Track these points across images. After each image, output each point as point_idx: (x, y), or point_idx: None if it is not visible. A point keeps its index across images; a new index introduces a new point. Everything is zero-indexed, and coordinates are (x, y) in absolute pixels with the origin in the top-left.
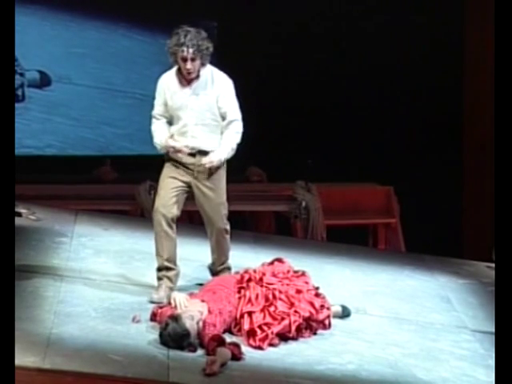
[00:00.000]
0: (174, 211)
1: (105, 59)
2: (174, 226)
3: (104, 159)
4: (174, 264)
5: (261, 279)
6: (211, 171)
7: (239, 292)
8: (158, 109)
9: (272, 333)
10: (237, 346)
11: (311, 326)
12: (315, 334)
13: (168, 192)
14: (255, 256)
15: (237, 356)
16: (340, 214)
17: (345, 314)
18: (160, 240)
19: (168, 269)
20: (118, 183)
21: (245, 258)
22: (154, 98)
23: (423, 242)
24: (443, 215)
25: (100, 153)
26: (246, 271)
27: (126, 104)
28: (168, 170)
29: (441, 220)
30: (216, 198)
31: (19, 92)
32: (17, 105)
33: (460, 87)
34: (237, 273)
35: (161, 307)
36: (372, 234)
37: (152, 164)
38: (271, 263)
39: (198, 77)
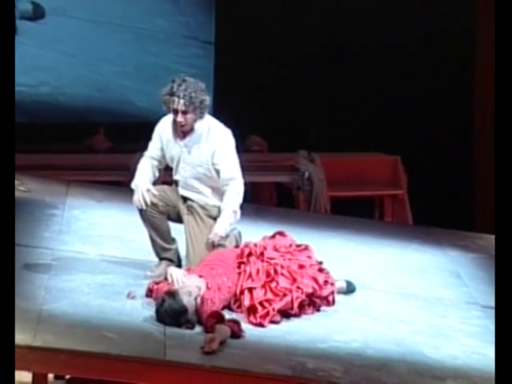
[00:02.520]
0: (162, 204)
1: None
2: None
3: (97, 127)
4: (170, 242)
5: (262, 253)
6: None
7: (239, 267)
8: (152, 152)
9: (273, 309)
10: (236, 323)
11: (314, 302)
12: (318, 310)
13: (158, 188)
14: (256, 229)
15: (236, 333)
16: (344, 185)
17: (349, 289)
18: (152, 226)
19: (165, 249)
20: (111, 153)
21: (245, 231)
22: (152, 32)
23: (432, 214)
24: (453, 186)
25: (99, 92)
26: (247, 245)
27: (124, 39)
28: (166, 186)
29: (450, 191)
30: (204, 238)
31: None
32: None
33: (472, 54)
34: (237, 247)
35: (157, 283)
36: (378, 206)
37: (148, 132)
38: (272, 237)
39: (192, 130)
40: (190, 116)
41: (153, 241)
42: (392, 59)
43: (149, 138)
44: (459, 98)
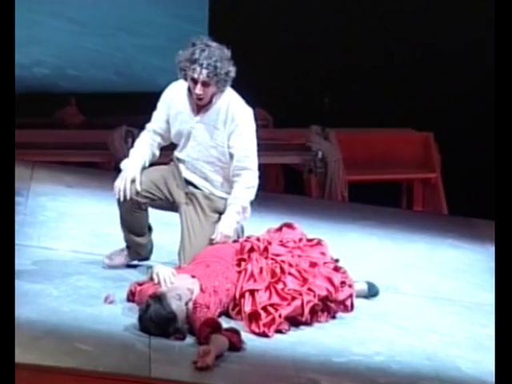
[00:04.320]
0: (145, 201)
1: None
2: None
3: (68, 97)
4: (144, 235)
5: (266, 249)
6: (209, 204)
7: (239, 265)
8: (155, 124)
9: (280, 316)
10: (236, 332)
11: (329, 307)
12: (334, 317)
13: (146, 178)
14: (259, 220)
15: (236, 345)
16: (365, 168)
17: (371, 292)
18: (126, 221)
19: (136, 244)
20: (85, 128)
21: (247, 223)
22: None
23: (470, 202)
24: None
25: (116, 75)
26: (248, 239)
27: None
28: (162, 168)
29: (492, 174)
30: (204, 234)
31: None
32: None
33: None
34: (236, 241)
35: (140, 284)
36: (406, 192)
37: (129, 104)
38: (279, 229)
39: (209, 103)
40: (210, 89)
41: (123, 230)
42: (423, 22)
43: (129, 111)
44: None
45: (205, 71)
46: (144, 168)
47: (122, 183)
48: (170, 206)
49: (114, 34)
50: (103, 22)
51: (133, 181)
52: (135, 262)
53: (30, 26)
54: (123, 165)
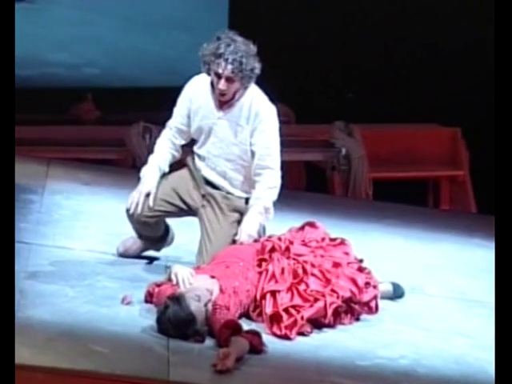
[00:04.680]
0: (155, 220)
1: None
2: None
3: (84, 93)
4: (157, 242)
5: (287, 249)
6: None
7: (260, 266)
8: (176, 120)
9: (302, 318)
10: (256, 334)
11: (353, 309)
12: (358, 319)
13: (157, 197)
14: (280, 219)
15: (256, 347)
16: (390, 165)
17: (396, 293)
18: (138, 231)
19: (149, 245)
20: (102, 124)
21: (268, 222)
22: None
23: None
24: None
25: (168, 75)
26: (269, 239)
27: None
28: (174, 178)
29: None
30: (224, 233)
31: None
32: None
33: None
34: (257, 241)
35: (158, 285)
36: (433, 190)
37: (146, 100)
38: (301, 228)
39: (232, 99)
40: (234, 85)
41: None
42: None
43: (145, 107)
44: None
45: (230, 66)
46: (163, 175)
47: (136, 196)
48: (186, 213)
49: (167, 32)
50: (153, 18)
51: (147, 195)
52: (151, 253)
53: (77, 23)
54: (142, 173)
